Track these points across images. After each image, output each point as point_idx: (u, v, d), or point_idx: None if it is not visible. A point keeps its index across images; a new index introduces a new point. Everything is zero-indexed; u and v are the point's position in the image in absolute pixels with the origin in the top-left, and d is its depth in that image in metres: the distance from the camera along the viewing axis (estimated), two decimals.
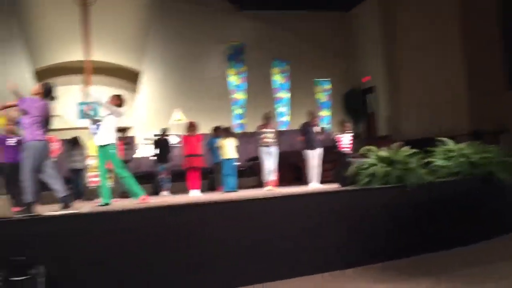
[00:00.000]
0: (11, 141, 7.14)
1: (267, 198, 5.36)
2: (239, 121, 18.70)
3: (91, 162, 12.44)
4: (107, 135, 6.56)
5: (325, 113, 19.50)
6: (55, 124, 6.65)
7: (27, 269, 4.05)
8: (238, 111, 18.78)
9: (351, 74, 19.85)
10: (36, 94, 5.72)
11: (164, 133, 11.54)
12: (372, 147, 6.58)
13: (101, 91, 17.41)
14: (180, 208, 4.96)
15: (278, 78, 19.15)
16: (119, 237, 4.48)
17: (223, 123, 17.66)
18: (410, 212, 5.87)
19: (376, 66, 18.82)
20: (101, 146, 6.57)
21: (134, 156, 14.49)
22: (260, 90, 18.64)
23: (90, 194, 11.49)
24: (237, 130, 18.15)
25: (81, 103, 16.30)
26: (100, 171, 6.70)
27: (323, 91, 19.58)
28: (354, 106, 19.70)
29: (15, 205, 6.78)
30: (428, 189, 6.04)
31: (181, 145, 8.22)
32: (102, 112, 6.82)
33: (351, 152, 9.08)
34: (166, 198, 9.86)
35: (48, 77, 17.26)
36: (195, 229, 4.78)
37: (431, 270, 4.92)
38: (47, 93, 5.78)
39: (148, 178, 12.85)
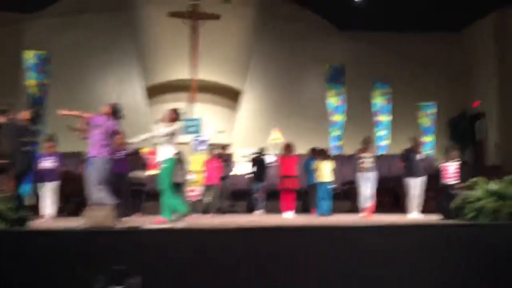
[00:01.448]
0: (120, 155, 7.68)
1: (363, 227, 5.14)
2: (337, 143, 18.42)
3: (192, 177, 13.00)
4: (165, 151, 6.60)
5: (428, 139, 18.56)
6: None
7: (125, 279, 4.24)
8: (336, 133, 18.51)
9: (459, 98, 18.70)
10: (105, 113, 6.08)
11: (261, 152, 11.68)
12: (480, 179, 6.08)
13: (204, 108, 18.30)
14: (275, 230, 4.93)
15: (378, 101, 18.61)
16: (212, 255, 4.55)
17: (320, 145, 17.52)
18: None
19: (487, 90, 17.59)
20: (161, 162, 6.66)
21: (231, 173, 14.84)
22: (359, 113, 18.26)
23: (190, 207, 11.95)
24: (334, 153, 17.91)
25: (186, 119, 17.13)
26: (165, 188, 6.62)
27: (427, 116, 18.67)
28: (461, 132, 18.52)
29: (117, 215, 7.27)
30: None
31: (277, 164, 8.20)
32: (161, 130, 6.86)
33: (458, 182, 8.50)
34: (260, 217, 9.95)
35: (157, 94, 18.45)
36: (287, 254, 4.71)
37: None
38: (115, 113, 6.13)
39: (243, 196, 13.11)
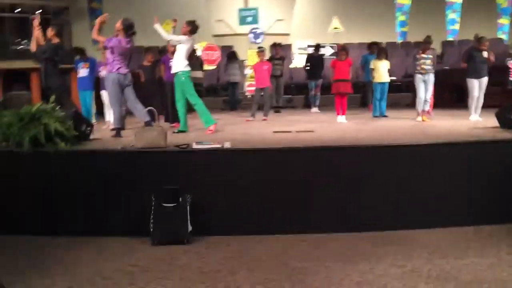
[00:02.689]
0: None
1: (409, 146, 5.06)
2: (402, 29, 17.37)
3: (249, 71, 12.99)
4: (179, 62, 6.60)
5: (504, 21, 17.03)
6: (217, 29, 6.79)
7: (177, 197, 4.56)
8: (402, 18, 17.36)
9: None
10: (118, 31, 6.07)
11: (317, 49, 11.31)
12: None
13: None
14: (316, 150, 4.99)
15: None
16: (254, 174, 4.74)
17: (384, 32, 16.75)
18: None
19: None
20: (175, 74, 6.66)
21: (291, 66, 14.61)
22: None
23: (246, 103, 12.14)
24: (399, 40, 16.99)
25: (242, 9, 16.66)
26: (178, 99, 6.74)
27: None
28: None
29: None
30: None
31: (331, 65, 8.00)
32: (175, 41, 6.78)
33: None
34: (315, 115, 9.98)
35: None
36: (330, 172, 4.82)
37: None
38: (127, 29, 6.07)
39: (301, 90, 13.05)
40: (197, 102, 6.69)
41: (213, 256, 4.22)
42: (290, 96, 13.02)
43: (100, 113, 8.58)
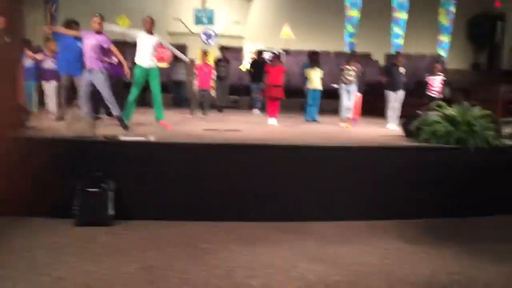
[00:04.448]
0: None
1: (322, 147, 5.71)
2: (350, 40, 18.26)
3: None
4: (147, 57, 7.14)
5: (444, 39, 18.20)
6: (172, 27, 7.25)
7: (101, 183, 5.01)
8: (350, 29, 18.25)
9: None
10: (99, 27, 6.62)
11: (260, 54, 11.93)
12: (442, 103, 6.42)
13: None
14: (243, 147, 5.56)
15: None
16: (178, 166, 5.26)
17: (334, 41, 17.58)
18: (466, 174, 5.84)
19: None
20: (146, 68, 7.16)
21: (241, 67, 15.13)
22: (376, 9, 17.78)
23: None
24: (347, 49, 17.86)
25: (198, 10, 17.09)
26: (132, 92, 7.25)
27: (447, 14, 18.07)
28: (479, 33, 18.05)
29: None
30: (491, 153, 5.90)
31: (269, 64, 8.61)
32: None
33: (440, 96, 8.81)
34: (256, 118, 10.57)
35: None
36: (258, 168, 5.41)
37: (460, 235, 5.10)
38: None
39: (247, 92, 13.63)
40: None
41: (130, 237, 4.71)
42: (236, 97, 13.58)
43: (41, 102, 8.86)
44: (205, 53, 9.85)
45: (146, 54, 7.08)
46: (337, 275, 3.95)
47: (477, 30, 18.11)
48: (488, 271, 4.13)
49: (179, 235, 4.85)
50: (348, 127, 8.52)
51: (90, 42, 6.56)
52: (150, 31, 7.16)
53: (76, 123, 5.40)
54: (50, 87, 8.23)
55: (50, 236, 4.61)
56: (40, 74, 8.47)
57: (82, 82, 6.67)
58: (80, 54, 6.91)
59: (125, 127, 6.68)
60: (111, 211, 5.01)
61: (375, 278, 3.93)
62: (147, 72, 7.11)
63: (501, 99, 10.52)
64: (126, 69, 6.86)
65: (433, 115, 6.25)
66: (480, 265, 4.26)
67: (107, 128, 6.40)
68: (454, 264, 4.30)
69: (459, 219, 5.65)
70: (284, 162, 5.46)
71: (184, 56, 7.69)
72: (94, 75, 6.54)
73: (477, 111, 6.17)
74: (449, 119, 6.03)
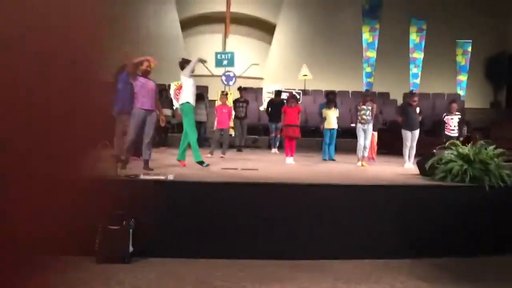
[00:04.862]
0: None
1: (337, 186, 5.81)
2: (368, 80, 18.50)
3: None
4: (184, 95, 7.34)
5: (462, 78, 18.30)
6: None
7: (121, 221, 5.18)
8: (368, 69, 18.53)
9: (497, 37, 18.13)
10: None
11: (278, 94, 12.21)
12: (457, 142, 6.49)
13: (238, 40, 18.69)
14: (258, 185, 5.70)
15: (414, 37, 18.26)
16: (195, 204, 5.40)
17: (352, 81, 17.85)
18: (482, 213, 5.84)
19: None
20: (181, 105, 7.40)
21: (260, 108, 15.44)
22: (393, 49, 18.07)
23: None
24: (366, 88, 18.07)
25: (218, 53, 17.63)
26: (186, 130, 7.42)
27: (463, 54, 18.24)
28: (497, 72, 18.13)
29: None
30: (507, 191, 5.90)
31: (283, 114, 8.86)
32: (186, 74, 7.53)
33: (459, 135, 8.86)
34: (274, 155, 10.75)
35: (193, 26, 18.93)
36: (267, 206, 5.51)
37: (474, 273, 5.06)
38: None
39: (265, 132, 13.86)
40: (192, 135, 7.41)
41: (147, 274, 4.82)
42: (256, 136, 13.80)
43: None
44: (224, 94, 10.14)
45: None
46: None
47: (494, 70, 18.21)
48: None
49: (195, 273, 4.94)
50: (365, 165, 8.60)
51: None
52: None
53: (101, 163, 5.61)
54: None
55: (70, 273, 4.75)
56: None
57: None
58: None
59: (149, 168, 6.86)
60: (130, 248, 5.14)
61: None
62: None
63: None
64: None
65: (448, 154, 6.30)
66: None
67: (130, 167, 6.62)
68: None
69: (473, 258, 5.61)
70: (299, 200, 5.56)
71: None
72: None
73: (491, 149, 6.21)
74: (464, 158, 6.08)
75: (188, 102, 7.24)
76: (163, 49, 17.30)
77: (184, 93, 7.38)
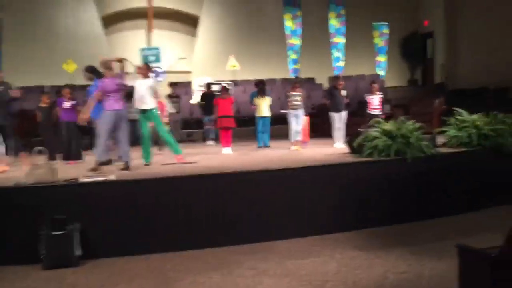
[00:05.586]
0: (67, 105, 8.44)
1: (273, 170, 6.13)
2: (294, 66, 19.03)
3: None
4: (148, 101, 7.41)
5: (381, 59, 19.27)
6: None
7: (65, 226, 5.17)
8: (293, 56, 19.03)
9: (411, 18, 19.28)
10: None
11: (209, 86, 12.37)
12: (381, 120, 7.01)
13: (163, 35, 18.52)
14: (199, 177, 5.88)
15: (334, 23, 18.97)
16: (138, 202, 5.50)
17: (279, 69, 18.28)
18: (407, 183, 6.39)
19: (435, 9, 18.16)
20: (144, 111, 7.44)
21: (191, 101, 15.50)
22: (315, 35, 18.66)
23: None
24: (292, 75, 18.60)
25: (143, 49, 17.42)
26: (144, 134, 7.54)
27: (380, 36, 19.21)
28: (412, 51, 19.31)
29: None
30: (427, 161, 6.49)
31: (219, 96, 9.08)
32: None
33: (381, 113, 9.45)
34: (210, 148, 10.92)
35: (114, 23, 18.52)
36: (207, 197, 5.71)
37: (406, 238, 5.60)
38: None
39: (199, 124, 13.98)
40: (167, 135, 7.60)
41: (98, 275, 4.88)
42: (190, 130, 13.89)
43: None
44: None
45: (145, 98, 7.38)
46: (300, 287, 4.30)
47: (410, 49, 19.37)
48: (430, 267, 4.61)
49: (147, 267, 5.07)
50: (299, 149, 8.99)
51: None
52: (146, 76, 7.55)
53: (36, 170, 5.55)
54: None
55: (19, 282, 4.72)
56: None
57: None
58: None
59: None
60: (77, 252, 5.16)
61: (334, 285, 4.31)
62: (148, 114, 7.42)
63: (435, 111, 11.36)
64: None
65: (373, 132, 6.79)
66: (423, 263, 4.74)
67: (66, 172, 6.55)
68: (402, 264, 4.76)
69: (404, 224, 6.16)
70: (241, 187, 5.81)
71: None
72: None
73: (411, 124, 6.77)
74: (387, 134, 6.59)
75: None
76: (85, 47, 16.86)
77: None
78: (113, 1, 18.32)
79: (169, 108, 10.52)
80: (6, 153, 7.73)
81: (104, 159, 6.94)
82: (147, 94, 7.40)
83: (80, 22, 17.65)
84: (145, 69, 7.64)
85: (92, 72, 7.89)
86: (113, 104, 6.66)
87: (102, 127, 6.70)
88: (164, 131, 7.67)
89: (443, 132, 7.74)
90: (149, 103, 7.42)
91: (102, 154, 6.80)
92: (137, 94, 7.45)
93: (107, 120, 6.62)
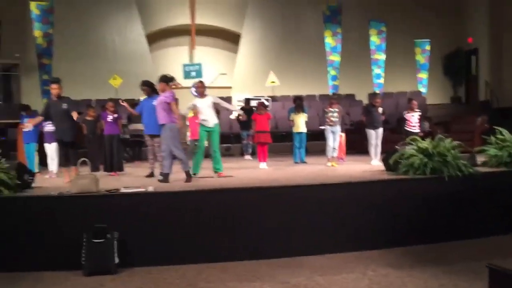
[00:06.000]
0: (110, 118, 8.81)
1: (308, 186, 6.19)
2: (334, 83, 19.04)
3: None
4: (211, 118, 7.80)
5: (423, 76, 19.03)
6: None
7: (105, 234, 5.39)
8: (333, 72, 19.06)
9: (453, 35, 19.01)
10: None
11: (247, 102, 12.58)
12: (417, 138, 6.95)
13: (205, 51, 18.98)
14: (234, 191, 6.02)
15: (375, 39, 18.92)
16: (174, 213, 5.67)
17: (318, 85, 18.35)
18: (442, 202, 6.29)
19: (479, 26, 17.81)
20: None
21: (231, 116, 15.76)
22: (355, 52, 18.66)
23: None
24: (331, 92, 18.61)
25: (186, 65, 17.89)
26: (200, 147, 7.98)
27: (422, 53, 18.99)
28: (455, 68, 18.97)
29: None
30: (464, 180, 6.38)
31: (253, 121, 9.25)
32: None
33: (419, 131, 9.35)
34: (247, 162, 11.07)
35: (159, 40, 19.15)
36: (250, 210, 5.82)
37: (440, 258, 5.50)
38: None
39: (237, 139, 14.19)
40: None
41: (134, 283, 5.05)
42: (229, 144, 14.12)
43: (43, 164, 9.31)
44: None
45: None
46: None
47: (453, 66, 19.05)
48: (463, 287, 4.53)
49: (180, 277, 5.20)
50: (335, 165, 9.01)
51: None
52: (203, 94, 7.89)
53: (80, 181, 5.83)
54: (51, 149, 8.74)
55: (58, 286, 4.95)
56: (41, 137, 8.99)
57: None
58: None
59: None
60: (116, 260, 5.36)
61: None
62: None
63: (477, 130, 11.11)
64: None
65: (409, 149, 6.75)
66: (456, 283, 4.66)
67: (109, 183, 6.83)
68: (434, 283, 4.70)
69: (438, 244, 6.05)
70: (274, 202, 5.90)
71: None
72: None
73: (449, 142, 6.68)
74: (423, 152, 6.53)
75: None
76: (131, 65, 17.51)
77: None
78: (159, 19, 18.96)
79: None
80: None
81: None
82: (210, 112, 7.75)
83: (127, 40, 18.38)
84: (203, 87, 7.87)
85: (149, 86, 8.22)
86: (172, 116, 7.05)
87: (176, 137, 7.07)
88: (218, 147, 7.92)
89: (483, 151, 7.58)
90: (212, 120, 7.73)
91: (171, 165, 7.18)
92: (201, 113, 7.79)
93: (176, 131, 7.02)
